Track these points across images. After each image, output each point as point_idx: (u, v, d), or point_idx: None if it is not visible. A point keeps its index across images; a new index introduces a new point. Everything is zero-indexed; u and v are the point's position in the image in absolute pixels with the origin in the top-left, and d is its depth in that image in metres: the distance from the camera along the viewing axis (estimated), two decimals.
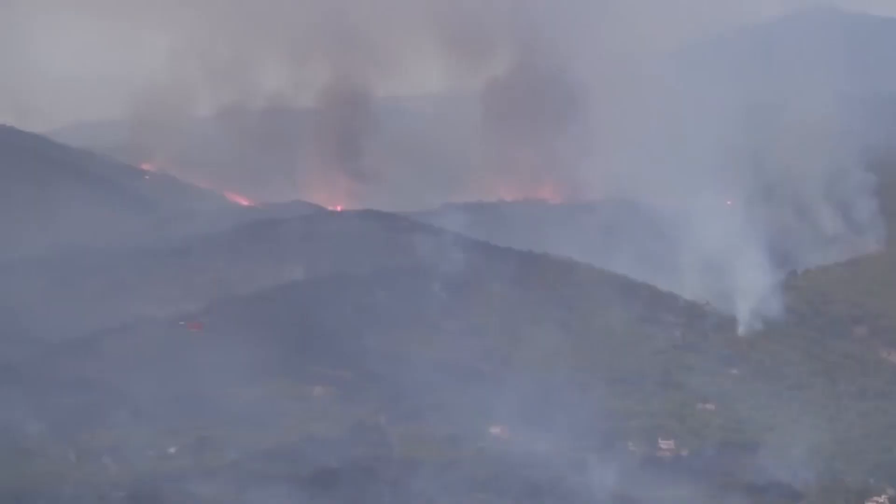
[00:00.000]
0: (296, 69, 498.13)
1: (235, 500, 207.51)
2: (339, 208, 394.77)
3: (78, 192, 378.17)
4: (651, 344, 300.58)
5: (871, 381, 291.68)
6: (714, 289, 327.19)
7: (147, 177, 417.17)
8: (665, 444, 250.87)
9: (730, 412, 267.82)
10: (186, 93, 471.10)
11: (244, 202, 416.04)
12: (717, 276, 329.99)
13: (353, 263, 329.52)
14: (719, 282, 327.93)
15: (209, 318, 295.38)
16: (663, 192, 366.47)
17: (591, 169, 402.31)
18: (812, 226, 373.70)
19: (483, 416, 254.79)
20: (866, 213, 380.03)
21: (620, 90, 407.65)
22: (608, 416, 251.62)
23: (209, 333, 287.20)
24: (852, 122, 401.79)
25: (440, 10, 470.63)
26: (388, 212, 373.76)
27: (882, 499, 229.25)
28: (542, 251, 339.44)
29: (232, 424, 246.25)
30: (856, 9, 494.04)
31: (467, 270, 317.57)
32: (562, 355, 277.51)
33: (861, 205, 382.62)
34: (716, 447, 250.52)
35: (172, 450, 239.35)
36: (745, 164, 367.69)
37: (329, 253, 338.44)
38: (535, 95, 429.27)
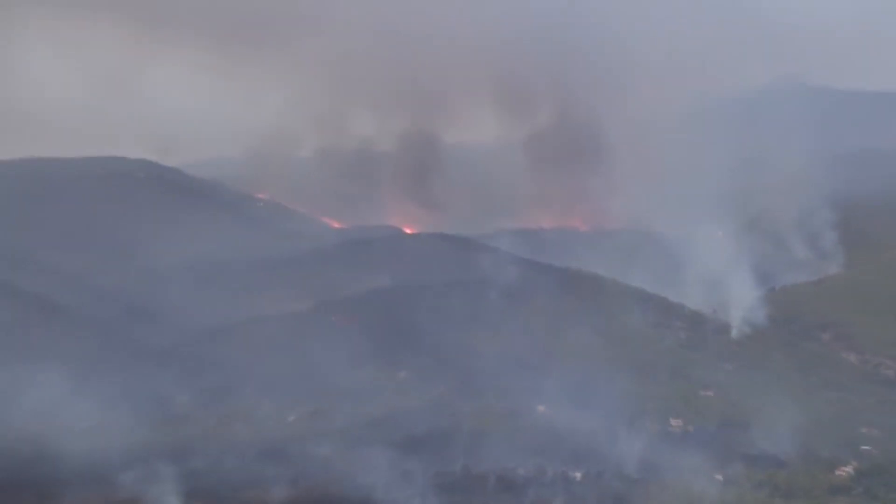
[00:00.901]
0: (379, 119, 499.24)
1: (342, 459, 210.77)
2: (413, 231, 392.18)
3: (208, 214, 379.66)
4: (662, 343, 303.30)
5: (834, 376, 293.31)
6: (711, 301, 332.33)
7: (261, 203, 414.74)
8: (675, 422, 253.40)
9: (726, 397, 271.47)
10: (293, 137, 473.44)
11: (336, 225, 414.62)
12: (714, 291, 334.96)
13: (429, 275, 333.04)
14: (715, 295, 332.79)
15: (317, 318, 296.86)
16: (671, 224, 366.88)
17: (614, 204, 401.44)
18: (786, 252, 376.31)
19: (532, 397, 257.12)
20: (829, 244, 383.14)
21: (638, 142, 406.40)
22: (630, 399, 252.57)
23: (316, 327, 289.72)
24: (818, 172, 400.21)
25: (495, 73, 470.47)
26: (454, 234, 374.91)
27: (849, 468, 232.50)
28: (576, 268, 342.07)
29: (337, 399, 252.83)
30: (820, 83, 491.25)
31: (518, 282, 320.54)
32: (593, 350, 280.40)
33: (825, 237, 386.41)
34: (715, 425, 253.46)
35: (292, 418, 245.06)
36: (735, 203, 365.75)
37: (409, 266, 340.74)
38: (568, 144, 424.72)
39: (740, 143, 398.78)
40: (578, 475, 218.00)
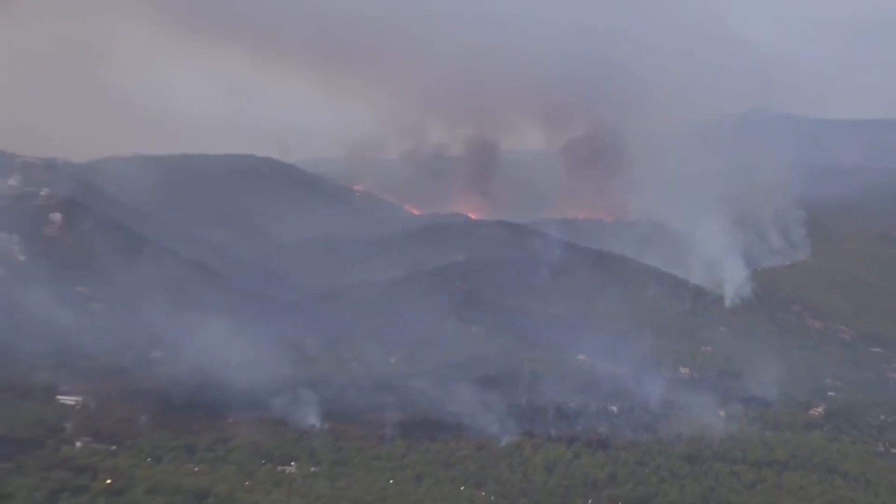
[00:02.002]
0: (450, 129, 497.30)
1: (433, 391, 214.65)
2: (477, 217, 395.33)
3: (317, 202, 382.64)
4: (672, 310, 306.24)
5: (804, 338, 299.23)
6: (709, 278, 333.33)
7: (358, 194, 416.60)
8: (684, 371, 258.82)
9: (722, 353, 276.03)
10: (382, 142, 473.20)
11: (416, 212, 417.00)
12: (711, 271, 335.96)
13: (491, 252, 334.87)
14: (713, 274, 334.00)
15: (409, 285, 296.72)
16: (677, 217, 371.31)
17: (632, 200, 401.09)
18: (766, 242, 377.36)
19: (574, 349, 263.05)
20: (798, 236, 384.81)
21: (650, 152, 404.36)
22: (649, 352, 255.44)
23: (408, 291, 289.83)
24: (791, 181, 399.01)
25: (541, 95, 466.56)
26: (510, 221, 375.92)
27: (820, 409, 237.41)
28: (605, 251, 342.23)
29: (426, 346, 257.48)
30: (790, 111, 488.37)
31: (560, 260, 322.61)
32: (619, 314, 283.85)
33: (795, 231, 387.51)
34: (715, 374, 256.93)
35: (393, 360, 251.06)
36: (727, 203, 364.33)
37: (476, 245, 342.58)
38: (596, 152, 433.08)
39: (730, 155, 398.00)
40: (615, 409, 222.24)
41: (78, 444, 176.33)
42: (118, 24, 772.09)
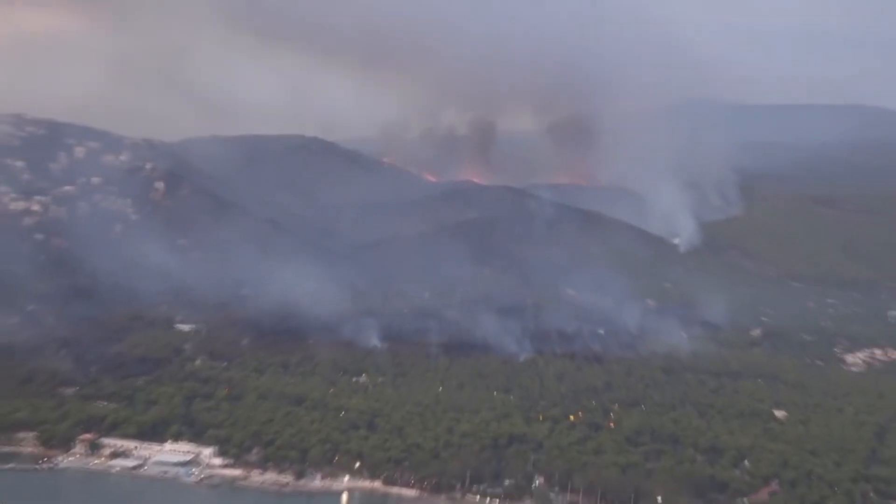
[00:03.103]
0: (459, 112, 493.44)
1: (463, 318, 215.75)
2: (484, 183, 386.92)
3: (355, 172, 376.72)
4: (639, 255, 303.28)
5: (741, 277, 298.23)
6: (666, 230, 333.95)
7: (386, 166, 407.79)
8: (650, 302, 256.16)
9: (679, 287, 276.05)
10: (405, 123, 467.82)
11: (433, 179, 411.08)
12: (667, 224, 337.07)
13: (498, 210, 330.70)
14: (668, 227, 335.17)
15: (434, 237, 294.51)
16: (640, 182, 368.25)
17: (603, 170, 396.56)
18: (708, 201, 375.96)
19: (565, 286, 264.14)
20: (733, 197, 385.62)
21: (618, 130, 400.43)
22: (623, 288, 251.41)
23: (435, 242, 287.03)
24: (727, 152, 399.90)
25: (531, 85, 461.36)
26: (511, 186, 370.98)
27: (758, 331, 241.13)
28: (584, 209, 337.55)
29: (451, 284, 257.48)
30: (727, 98, 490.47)
31: (551, 217, 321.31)
32: (598, 259, 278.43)
33: (731, 192, 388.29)
34: (675, 304, 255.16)
35: (427, 295, 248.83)
36: (678, 171, 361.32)
37: (485, 205, 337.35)
38: (575, 131, 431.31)
39: (680, 134, 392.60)
40: (602, 332, 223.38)
41: (197, 361, 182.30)
42: (202, 30, 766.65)
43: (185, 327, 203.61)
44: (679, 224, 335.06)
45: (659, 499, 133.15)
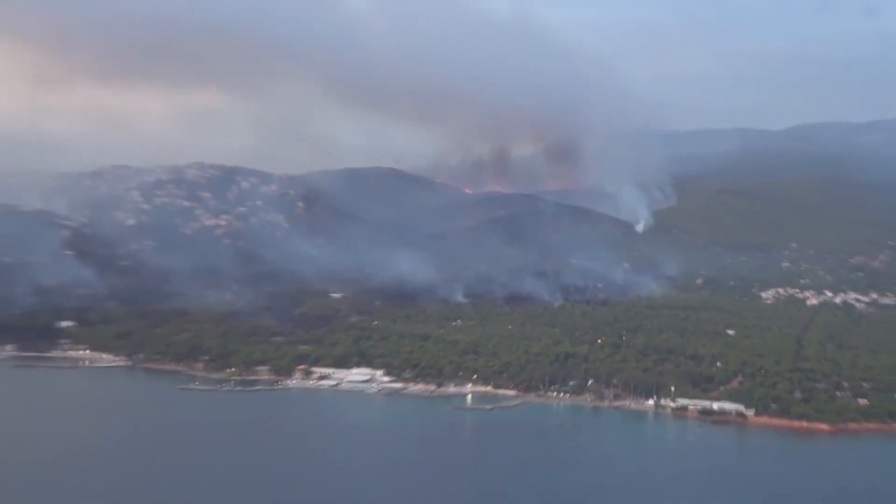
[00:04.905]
0: (482, 144, 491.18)
1: (511, 280, 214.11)
2: (504, 191, 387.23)
3: (416, 189, 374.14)
4: (614, 235, 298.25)
5: (683, 246, 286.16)
6: (631, 218, 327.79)
7: (437, 183, 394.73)
8: (627, 265, 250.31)
9: (644, 255, 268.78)
10: (448, 153, 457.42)
11: (469, 191, 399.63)
12: (631, 213, 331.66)
13: (518, 210, 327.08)
14: (633, 215, 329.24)
15: (477, 229, 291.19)
16: (611, 187, 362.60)
17: (586, 178, 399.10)
18: (654, 197, 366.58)
19: (570, 257, 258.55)
20: (671, 193, 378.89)
21: (595, 151, 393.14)
22: (608, 257, 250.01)
23: (477, 233, 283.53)
24: (664, 162, 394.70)
25: (532, 122, 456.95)
26: (526, 193, 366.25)
27: (700, 280, 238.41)
28: (576, 205, 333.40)
29: (497, 259, 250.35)
30: (662, 127, 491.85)
31: (553, 212, 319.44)
32: (589, 239, 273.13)
33: (669, 191, 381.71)
34: (644, 266, 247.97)
35: (483, 266, 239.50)
36: (634, 177, 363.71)
37: (509, 206, 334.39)
38: (563, 152, 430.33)
39: (634, 151, 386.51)
40: (601, 285, 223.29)
41: (352, 317, 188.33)
42: (314, 99, 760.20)
43: (337, 295, 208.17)
44: (638, 213, 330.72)
45: (672, 388, 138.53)
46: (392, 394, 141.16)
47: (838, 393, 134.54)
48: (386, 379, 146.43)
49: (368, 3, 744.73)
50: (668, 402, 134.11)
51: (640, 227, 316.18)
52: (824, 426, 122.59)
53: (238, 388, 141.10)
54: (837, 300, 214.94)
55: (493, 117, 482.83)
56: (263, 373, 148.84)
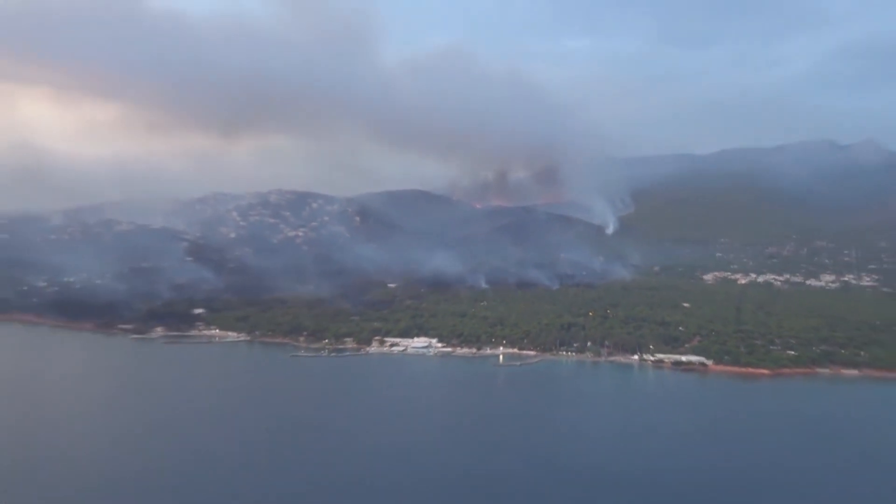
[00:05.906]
0: (487, 169, 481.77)
1: (520, 270, 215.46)
2: (506, 205, 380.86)
3: (439, 205, 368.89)
4: (591, 235, 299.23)
5: (640, 237, 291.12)
6: (602, 222, 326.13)
7: (455, 200, 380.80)
8: (601, 258, 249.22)
9: (616, 250, 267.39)
10: (461, 177, 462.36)
11: (479, 206, 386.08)
12: (603, 219, 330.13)
13: (518, 219, 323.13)
14: (603, 220, 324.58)
15: (489, 234, 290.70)
16: (586, 201, 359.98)
17: (567, 194, 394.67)
18: (617, 206, 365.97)
19: (560, 252, 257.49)
20: (630, 203, 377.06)
21: (572, 173, 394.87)
22: (588, 252, 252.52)
23: (492, 236, 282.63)
24: (623, 182, 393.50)
25: (525, 151, 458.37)
26: (525, 206, 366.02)
27: (657, 267, 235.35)
28: (561, 214, 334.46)
29: (508, 255, 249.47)
30: (620, 154, 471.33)
31: (546, 221, 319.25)
32: (574, 239, 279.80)
33: (628, 201, 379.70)
34: (614, 258, 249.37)
35: (498, 261, 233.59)
36: (602, 192, 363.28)
37: (511, 217, 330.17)
38: (549, 175, 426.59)
39: (600, 172, 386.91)
40: (585, 273, 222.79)
41: (407, 301, 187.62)
42: (361, 139, 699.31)
43: (393, 285, 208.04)
44: (607, 219, 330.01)
45: (651, 346, 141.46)
46: (445, 356, 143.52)
47: (772, 347, 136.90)
48: (440, 345, 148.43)
49: (402, 67, 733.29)
50: (648, 357, 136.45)
51: (609, 229, 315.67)
52: (765, 371, 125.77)
53: (333, 354, 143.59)
54: (760, 280, 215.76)
55: (495, 150, 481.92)
56: (349, 343, 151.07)
